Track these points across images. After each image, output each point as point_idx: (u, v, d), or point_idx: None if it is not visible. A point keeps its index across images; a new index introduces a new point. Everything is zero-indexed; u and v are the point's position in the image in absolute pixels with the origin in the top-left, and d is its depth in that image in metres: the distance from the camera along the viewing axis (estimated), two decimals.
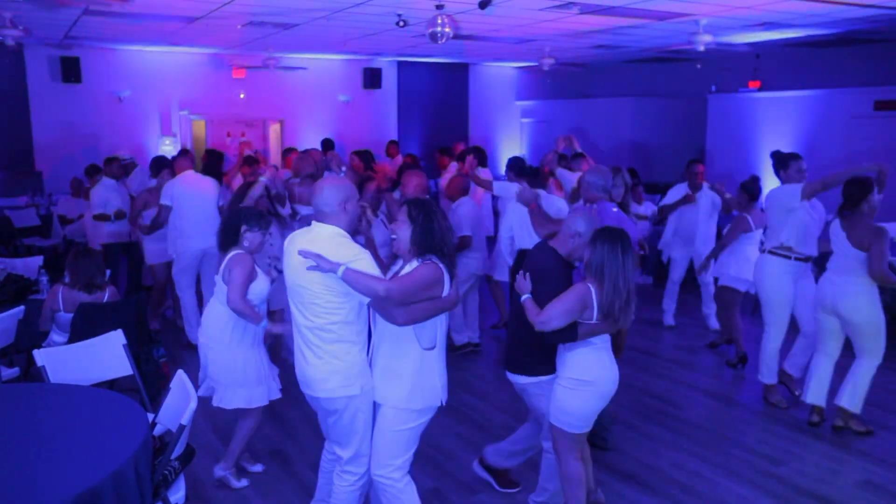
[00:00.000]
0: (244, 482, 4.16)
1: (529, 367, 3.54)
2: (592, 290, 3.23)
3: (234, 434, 4.14)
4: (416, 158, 10.00)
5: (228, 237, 4.01)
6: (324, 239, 3.03)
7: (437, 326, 3.14)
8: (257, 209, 4.37)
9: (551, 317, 3.21)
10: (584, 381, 3.31)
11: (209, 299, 6.47)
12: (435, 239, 3.03)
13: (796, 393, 5.36)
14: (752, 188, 5.96)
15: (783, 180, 5.21)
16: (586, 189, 4.61)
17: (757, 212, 5.92)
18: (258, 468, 4.32)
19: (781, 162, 5.25)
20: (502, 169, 14.08)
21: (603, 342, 3.37)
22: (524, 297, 3.37)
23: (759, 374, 5.40)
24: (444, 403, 3.23)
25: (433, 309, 3.04)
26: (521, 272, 3.44)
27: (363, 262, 2.98)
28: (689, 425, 5.02)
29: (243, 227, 3.98)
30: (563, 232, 3.50)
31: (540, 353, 3.46)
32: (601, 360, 3.36)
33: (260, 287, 4.00)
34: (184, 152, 7.05)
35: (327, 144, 10.67)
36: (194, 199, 6.34)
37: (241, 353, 3.96)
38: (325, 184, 3.21)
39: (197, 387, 3.75)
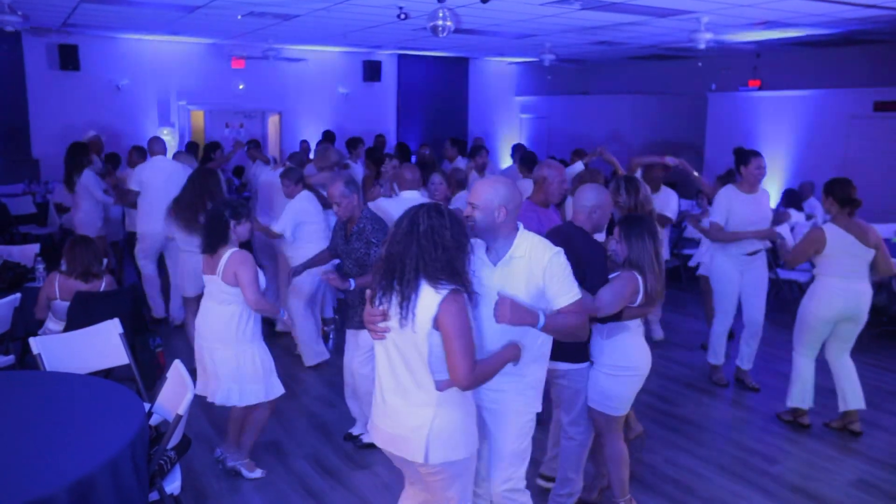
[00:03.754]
0: (258, 472, 4.15)
1: (571, 355, 3.48)
2: (639, 277, 3.41)
3: (248, 426, 4.09)
4: (407, 148, 9.95)
5: (218, 235, 3.89)
6: None
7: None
8: (237, 199, 4.30)
9: (611, 302, 3.32)
10: (624, 366, 3.48)
11: (175, 280, 6.73)
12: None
13: (753, 385, 5.61)
14: (728, 181, 6.40)
15: (742, 176, 5.31)
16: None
17: None
18: (258, 473, 4.25)
19: (742, 158, 5.33)
20: (501, 163, 14.10)
21: (637, 326, 3.54)
22: None
23: (707, 356, 5.82)
24: None
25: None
26: None
27: None
28: (684, 423, 5.04)
29: (232, 223, 3.88)
30: (581, 210, 3.56)
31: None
32: (638, 345, 3.54)
33: (260, 280, 3.98)
34: (155, 139, 7.10)
35: (328, 136, 10.63)
36: (165, 184, 6.46)
37: (250, 348, 3.94)
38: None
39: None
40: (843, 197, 4.59)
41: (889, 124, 9.59)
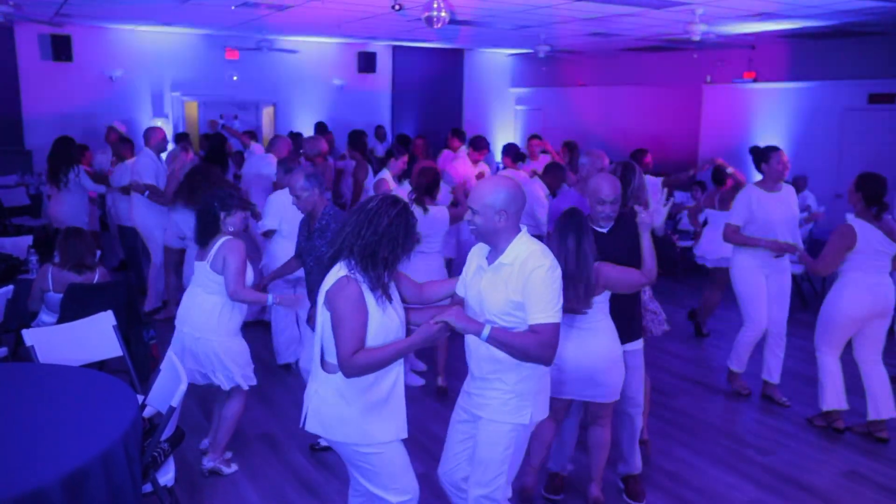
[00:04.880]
0: (234, 467, 4.15)
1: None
2: None
3: (221, 423, 4.06)
4: (407, 139, 9.97)
5: (208, 229, 3.86)
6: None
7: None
8: (226, 191, 4.23)
9: None
10: None
11: (150, 270, 6.96)
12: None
13: (784, 401, 5.22)
14: (719, 177, 6.79)
15: (765, 173, 5.07)
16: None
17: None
18: (234, 468, 4.19)
19: (762, 156, 5.11)
20: (498, 155, 14.08)
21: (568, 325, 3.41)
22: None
23: (729, 361, 5.46)
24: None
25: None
26: None
27: None
28: (678, 414, 5.05)
29: (222, 214, 3.83)
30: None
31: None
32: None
33: (248, 275, 3.92)
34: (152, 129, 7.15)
35: (321, 129, 10.63)
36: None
37: (225, 341, 3.91)
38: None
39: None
40: (871, 196, 4.45)
41: (884, 116, 9.60)
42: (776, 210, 5.00)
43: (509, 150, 7.43)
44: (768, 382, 5.32)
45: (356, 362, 2.57)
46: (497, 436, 2.85)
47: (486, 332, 2.63)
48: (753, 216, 5.03)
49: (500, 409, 2.83)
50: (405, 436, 2.81)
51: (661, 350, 6.33)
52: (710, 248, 6.60)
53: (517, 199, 2.75)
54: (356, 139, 8.76)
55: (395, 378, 2.75)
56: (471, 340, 2.86)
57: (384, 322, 2.64)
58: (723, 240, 5.34)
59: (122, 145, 7.79)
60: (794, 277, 7.68)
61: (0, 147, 10.82)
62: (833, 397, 4.72)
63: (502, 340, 2.65)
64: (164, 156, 7.45)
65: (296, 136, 11.35)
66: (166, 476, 3.18)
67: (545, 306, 2.65)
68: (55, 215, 7.36)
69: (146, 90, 11.94)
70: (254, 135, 9.44)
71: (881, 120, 9.62)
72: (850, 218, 4.55)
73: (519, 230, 2.78)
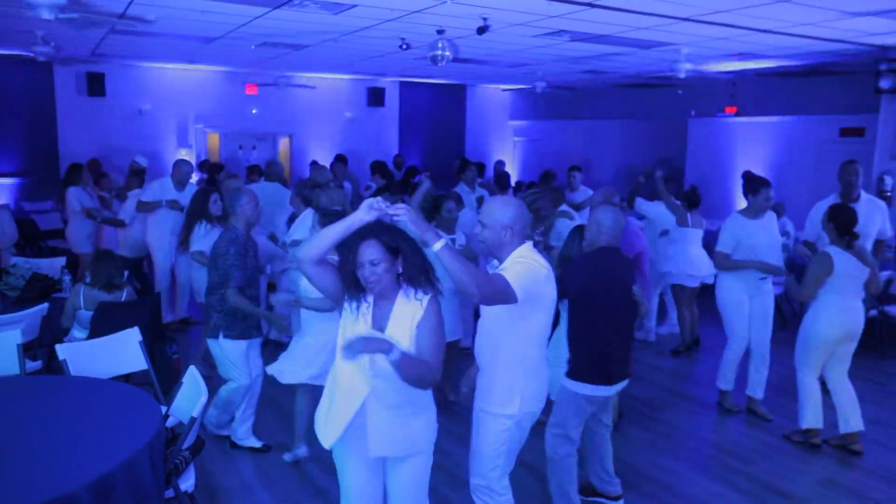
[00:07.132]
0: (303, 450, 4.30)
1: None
2: None
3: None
4: (416, 170, 10.04)
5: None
6: None
7: None
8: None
9: None
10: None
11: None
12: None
13: (765, 414, 5.19)
14: (692, 197, 6.64)
15: (750, 203, 5.05)
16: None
17: (696, 214, 6.56)
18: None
19: (752, 186, 5.05)
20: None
21: None
22: None
23: (717, 381, 5.40)
24: None
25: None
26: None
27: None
28: (666, 426, 5.03)
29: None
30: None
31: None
32: None
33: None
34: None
35: (340, 160, 10.70)
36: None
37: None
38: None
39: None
40: (842, 226, 4.47)
41: (855, 148, 9.62)
42: (761, 236, 4.99)
43: (498, 178, 7.63)
44: (752, 398, 5.29)
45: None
46: (485, 425, 2.89)
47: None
48: (740, 243, 5.01)
49: (488, 399, 2.87)
50: None
51: (647, 364, 6.32)
52: (682, 266, 6.50)
53: (522, 217, 2.82)
54: (384, 170, 8.85)
55: None
56: (480, 332, 2.95)
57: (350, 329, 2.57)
58: (715, 267, 5.37)
59: (133, 177, 7.84)
60: (775, 298, 7.70)
61: (38, 175, 10.92)
62: (812, 416, 4.68)
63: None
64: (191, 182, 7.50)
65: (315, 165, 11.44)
66: (187, 482, 3.19)
67: (509, 272, 2.67)
68: (66, 237, 7.77)
69: (172, 123, 12.05)
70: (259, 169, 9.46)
71: (852, 152, 9.62)
72: (829, 247, 4.53)
73: (521, 244, 2.83)
